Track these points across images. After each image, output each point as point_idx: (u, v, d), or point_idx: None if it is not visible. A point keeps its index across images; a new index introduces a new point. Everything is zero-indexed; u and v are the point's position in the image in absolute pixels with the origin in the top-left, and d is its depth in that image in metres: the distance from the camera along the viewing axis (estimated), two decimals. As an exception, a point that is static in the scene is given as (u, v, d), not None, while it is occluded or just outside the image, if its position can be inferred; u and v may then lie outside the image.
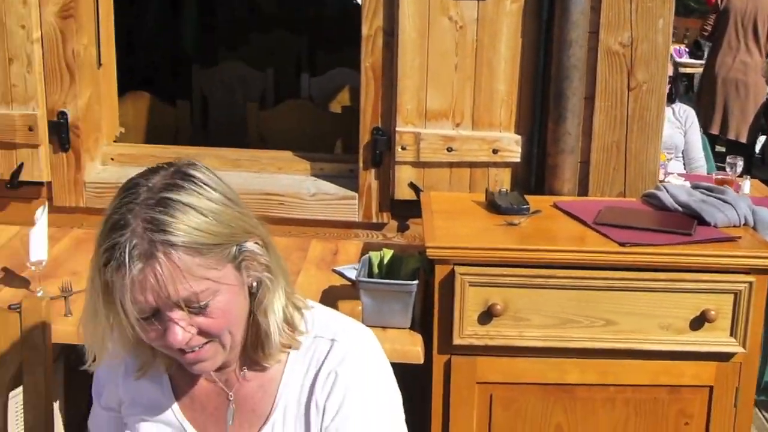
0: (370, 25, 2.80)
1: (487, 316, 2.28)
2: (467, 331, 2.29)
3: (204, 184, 1.34)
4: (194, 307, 1.31)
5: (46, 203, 2.76)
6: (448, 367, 2.34)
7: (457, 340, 2.30)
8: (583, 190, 2.84)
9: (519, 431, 2.39)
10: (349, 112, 4.15)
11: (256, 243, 1.38)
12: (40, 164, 2.97)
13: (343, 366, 1.44)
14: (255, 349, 1.45)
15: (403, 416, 1.52)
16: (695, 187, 2.72)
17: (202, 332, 1.34)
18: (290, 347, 1.46)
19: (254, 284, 1.40)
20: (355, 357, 1.46)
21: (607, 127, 2.80)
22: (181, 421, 1.50)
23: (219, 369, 1.47)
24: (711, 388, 2.38)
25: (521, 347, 2.31)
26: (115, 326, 1.36)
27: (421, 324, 2.40)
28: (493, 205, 2.56)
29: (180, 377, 1.51)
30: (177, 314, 1.31)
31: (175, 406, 1.51)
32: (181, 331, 1.32)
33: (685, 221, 2.44)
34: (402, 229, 2.97)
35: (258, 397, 1.48)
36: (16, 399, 1.82)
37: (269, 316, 1.41)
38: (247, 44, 6.08)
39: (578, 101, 2.75)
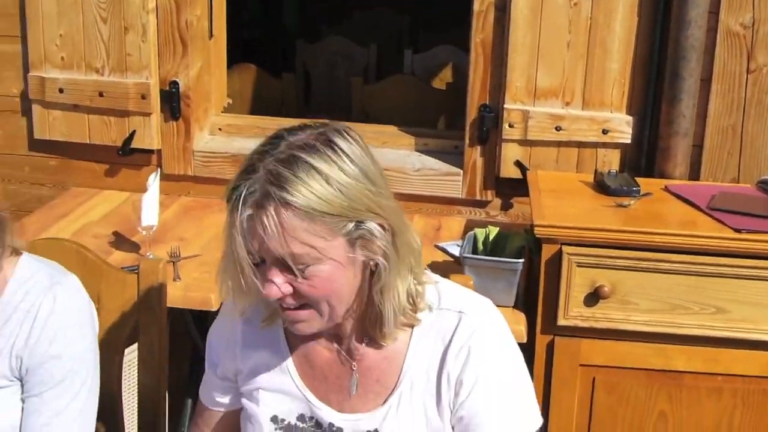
0: (482, 1, 2.77)
1: (594, 297, 2.24)
2: (572, 312, 2.26)
3: (343, 153, 1.31)
4: (293, 268, 1.31)
5: (159, 169, 2.82)
6: (551, 347, 2.31)
7: (561, 321, 2.26)
8: (694, 174, 2.76)
9: (621, 416, 2.35)
10: (453, 89, 4.13)
11: (380, 225, 1.34)
12: (151, 132, 3.04)
13: (474, 340, 1.42)
14: (372, 326, 1.43)
15: (531, 385, 1.50)
16: (814, 174, 2.62)
17: (298, 295, 1.34)
18: (411, 326, 1.44)
19: (371, 263, 1.37)
20: (485, 330, 1.44)
21: (723, 110, 2.72)
22: (303, 390, 1.50)
23: (339, 341, 1.48)
24: (826, 383, 2.31)
25: (627, 331, 2.27)
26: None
27: (524, 303, 2.38)
28: (602, 186, 2.51)
29: (300, 347, 1.52)
30: (275, 269, 1.31)
31: (296, 375, 1.51)
32: (275, 287, 1.32)
33: (804, 209, 2.36)
34: (506, 207, 2.94)
35: (383, 368, 1.47)
36: (130, 357, 1.87)
37: (384, 298, 1.38)
38: (350, 20, 6.08)
39: (694, 83, 2.66)
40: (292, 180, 1.27)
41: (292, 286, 1.33)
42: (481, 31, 2.80)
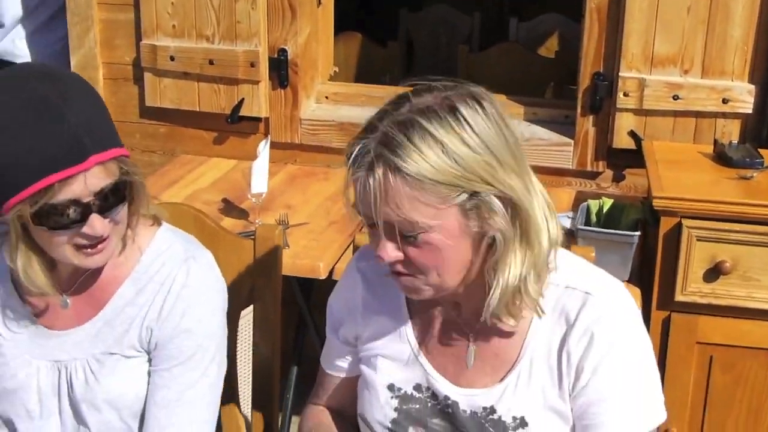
0: (599, -35, 2.68)
1: (714, 273, 2.16)
2: (691, 287, 2.18)
3: (466, 122, 1.25)
4: (403, 234, 1.27)
5: (269, 137, 2.82)
6: (666, 324, 2.24)
7: (679, 297, 2.19)
8: (821, 146, 2.63)
9: (739, 397, 2.27)
10: (561, 58, 4.03)
11: (500, 198, 1.28)
12: (259, 100, 3.04)
13: (598, 325, 1.35)
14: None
15: (658, 376, 1.42)
16: None
17: (408, 261, 1.31)
18: (527, 308, 1.37)
19: (489, 237, 1.31)
20: (610, 316, 1.37)
21: None
22: (420, 360, 1.47)
23: (459, 311, 1.44)
24: None
25: (748, 309, 2.19)
26: None
27: (639, 277, 2.31)
28: (722, 158, 2.41)
29: (420, 315, 1.49)
30: (385, 233, 1.29)
31: (414, 344, 1.48)
32: (386, 252, 1.30)
33: None
34: (617, 179, 2.85)
35: (502, 343, 1.42)
36: (246, 319, 1.87)
37: (496, 275, 1.32)
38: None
39: (823, 50, 2.53)
40: (406, 145, 1.23)
41: (403, 252, 1.30)
42: (597, -3, 2.71)
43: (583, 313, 1.36)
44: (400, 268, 1.32)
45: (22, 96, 1.41)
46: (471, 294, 1.39)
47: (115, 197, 1.44)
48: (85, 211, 1.41)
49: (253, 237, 1.76)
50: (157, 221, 1.61)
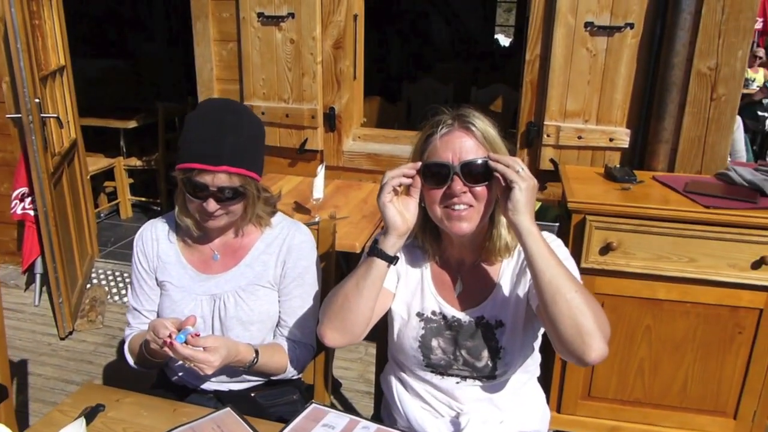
0: (531, 53, 2.60)
1: (605, 249, 2.09)
2: (591, 258, 2.11)
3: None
4: (473, 173, 1.20)
5: (324, 163, 2.76)
6: (575, 281, 2.16)
7: (583, 264, 2.11)
8: (671, 168, 2.55)
9: (620, 328, 2.19)
10: (505, 112, 3.94)
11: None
12: (317, 139, 2.99)
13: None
14: (492, 249, 1.33)
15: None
16: (756, 170, 2.37)
17: (474, 196, 1.22)
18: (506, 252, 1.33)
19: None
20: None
21: (692, 125, 2.50)
22: (435, 295, 1.38)
23: (458, 265, 1.36)
24: (761, 310, 2.09)
25: (627, 272, 2.11)
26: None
27: (557, 252, 2.23)
28: (610, 175, 2.33)
29: (431, 265, 1.40)
30: (456, 177, 1.20)
31: (431, 284, 1.39)
32: (459, 186, 1.20)
33: (751, 193, 2.13)
34: (542, 189, 2.78)
35: (482, 277, 1.36)
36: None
37: (497, 225, 1.28)
38: (436, 69, 5.92)
39: (674, 107, 2.45)
40: (472, 118, 1.25)
41: (471, 192, 1.21)
42: (530, 73, 2.63)
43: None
44: (467, 199, 1.22)
45: (215, 106, 1.38)
46: (475, 240, 1.31)
47: (229, 196, 1.39)
48: (206, 194, 1.37)
49: (317, 226, 1.70)
50: (274, 210, 1.57)
